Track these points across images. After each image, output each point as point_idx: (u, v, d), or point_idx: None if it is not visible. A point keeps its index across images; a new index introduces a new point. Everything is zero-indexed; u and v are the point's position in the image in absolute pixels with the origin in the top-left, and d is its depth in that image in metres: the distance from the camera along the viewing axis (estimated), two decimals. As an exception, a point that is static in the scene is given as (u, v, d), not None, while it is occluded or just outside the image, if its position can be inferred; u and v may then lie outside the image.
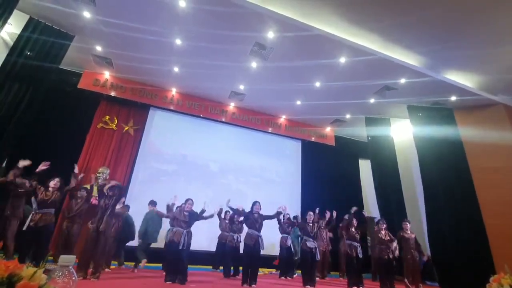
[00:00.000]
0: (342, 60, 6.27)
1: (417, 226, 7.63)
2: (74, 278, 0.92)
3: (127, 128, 7.83)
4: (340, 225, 6.16)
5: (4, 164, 5.63)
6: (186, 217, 4.71)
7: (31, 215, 4.24)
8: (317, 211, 5.84)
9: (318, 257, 5.39)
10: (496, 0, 4.74)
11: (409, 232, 6.24)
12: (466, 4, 4.86)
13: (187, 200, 4.88)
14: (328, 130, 10.04)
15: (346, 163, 10.23)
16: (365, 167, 10.17)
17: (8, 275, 0.77)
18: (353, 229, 5.67)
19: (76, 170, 4.86)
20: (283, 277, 6.09)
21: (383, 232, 5.77)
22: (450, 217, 6.53)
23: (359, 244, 5.58)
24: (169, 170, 7.93)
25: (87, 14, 5.58)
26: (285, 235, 6.12)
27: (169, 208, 4.94)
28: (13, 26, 6.07)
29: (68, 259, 0.94)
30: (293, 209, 8.33)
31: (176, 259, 4.51)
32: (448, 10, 5.00)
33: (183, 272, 4.49)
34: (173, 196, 5.05)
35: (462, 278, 5.98)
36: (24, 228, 4.13)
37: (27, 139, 6.33)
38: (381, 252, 5.62)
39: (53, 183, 4.46)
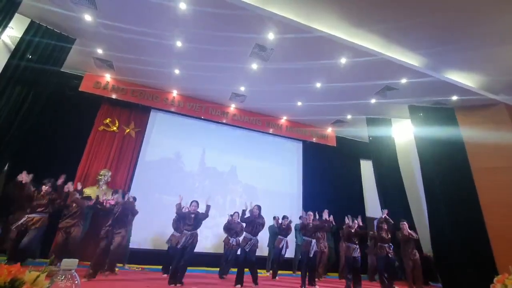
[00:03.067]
0: (343, 61, 6.26)
1: (422, 226, 7.61)
2: (76, 281, 0.92)
3: (128, 130, 7.85)
4: (344, 227, 6.12)
5: (5, 168, 5.65)
6: (191, 220, 4.84)
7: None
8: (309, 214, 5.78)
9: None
10: (497, 0, 4.74)
11: (406, 232, 6.19)
12: (467, 4, 4.85)
13: (191, 203, 4.99)
14: (329, 130, 10.04)
15: (347, 164, 10.21)
16: (366, 168, 10.15)
17: (11, 280, 0.77)
18: (353, 231, 5.65)
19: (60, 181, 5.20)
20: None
21: (384, 232, 5.76)
22: (451, 218, 6.48)
23: (357, 246, 5.56)
24: (170, 171, 7.93)
25: (88, 17, 5.61)
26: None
27: (179, 207, 5.01)
28: (15, 30, 6.09)
29: (71, 263, 0.93)
30: (295, 210, 8.30)
31: (177, 260, 4.61)
32: (449, 10, 4.99)
33: (181, 271, 4.58)
34: (179, 197, 5.05)
35: (465, 279, 5.94)
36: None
37: (28, 142, 6.35)
38: (382, 251, 5.61)
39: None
